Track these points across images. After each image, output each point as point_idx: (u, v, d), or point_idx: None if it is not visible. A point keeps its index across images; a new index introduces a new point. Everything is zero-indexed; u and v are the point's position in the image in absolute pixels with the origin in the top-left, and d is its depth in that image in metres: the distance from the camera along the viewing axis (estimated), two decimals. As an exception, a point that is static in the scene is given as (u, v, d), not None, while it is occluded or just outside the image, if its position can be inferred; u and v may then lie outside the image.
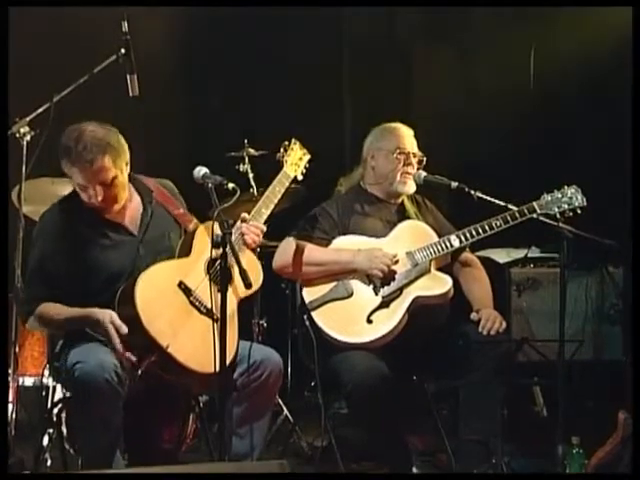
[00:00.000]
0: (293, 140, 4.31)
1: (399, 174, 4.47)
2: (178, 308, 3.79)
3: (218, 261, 3.75)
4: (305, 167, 4.31)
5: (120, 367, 3.62)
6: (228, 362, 3.64)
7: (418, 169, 4.50)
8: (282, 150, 4.27)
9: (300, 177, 4.30)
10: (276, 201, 4.10)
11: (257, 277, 3.91)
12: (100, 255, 3.88)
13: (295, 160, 4.27)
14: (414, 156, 4.50)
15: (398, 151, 4.47)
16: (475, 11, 6.33)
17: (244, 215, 3.95)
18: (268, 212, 4.06)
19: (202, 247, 3.90)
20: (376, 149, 4.53)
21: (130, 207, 3.98)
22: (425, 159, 4.51)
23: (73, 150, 3.76)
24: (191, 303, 3.82)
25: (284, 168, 4.23)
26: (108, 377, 3.56)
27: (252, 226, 3.95)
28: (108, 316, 3.67)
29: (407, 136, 4.53)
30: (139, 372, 3.66)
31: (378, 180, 4.53)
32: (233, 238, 3.75)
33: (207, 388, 3.87)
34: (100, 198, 3.81)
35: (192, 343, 3.73)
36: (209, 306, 3.81)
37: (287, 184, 4.20)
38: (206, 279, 3.87)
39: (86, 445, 3.74)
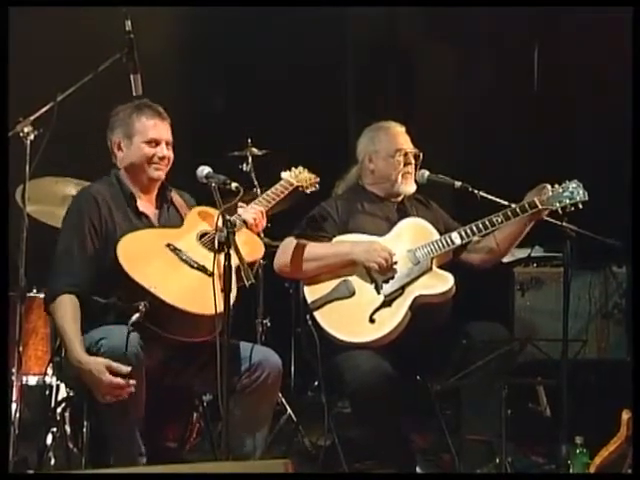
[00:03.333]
0: (300, 168, 4.42)
1: (400, 175, 4.48)
2: (166, 262, 3.84)
3: (208, 234, 3.94)
4: (314, 187, 4.43)
5: (140, 338, 3.64)
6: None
7: (416, 165, 4.50)
8: (290, 173, 4.38)
9: (307, 192, 4.43)
10: (273, 203, 4.18)
11: (258, 249, 4.01)
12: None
13: (303, 181, 4.39)
14: (411, 154, 4.50)
15: (397, 154, 4.47)
16: (476, 11, 6.32)
17: (241, 203, 4.05)
18: (264, 209, 4.12)
19: (195, 222, 4.03)
20: (373, 152, 4.53)
21: (152, 201, 4.10)
22: (421, 154, 4.52)
23: (147, 106, 4.04)
24: (180, 259, 3.86)
25: (288, 177, 4.33)
26: (135, 350, 3.60)
27: (250, 208, 4.06)
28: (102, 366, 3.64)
29: (401, 134, 4.54)
30: (130, 327, 3.63)
31: (378, 181, 4.54)
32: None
33: (200, 335, 3.80)
34: (166, 154, 4.02)
35: (181, 287, 3.76)
36: (201, 262, 3.85)
37: (289, 189, 4.29)
38: (198, 244, 3.94)
39: (115, 421, 3.70)
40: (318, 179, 4.45)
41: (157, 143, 4.02)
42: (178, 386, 3.98)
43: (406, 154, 4.48)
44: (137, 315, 3.63)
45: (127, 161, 4.04)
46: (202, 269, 3.84)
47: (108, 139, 4.09)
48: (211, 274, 3.75)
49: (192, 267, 3.85)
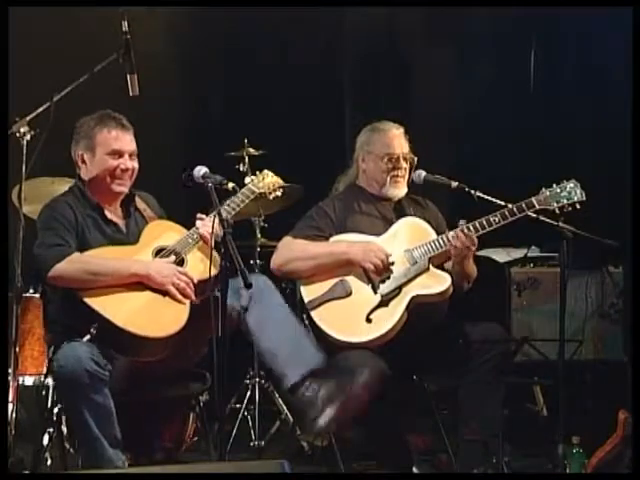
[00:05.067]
0: (265, 171, 4.38)
1: (388, 178, 4.47)
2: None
3: (165, 250, 3.97)
4: (278, 192, 4.38)
5: (97, 353, 3.67)
6: (173, 330, 3.75)
7: (411, 168, 4.49)
8: (254, 178, 4.33)
9: (270, 197, 4.38)
10: (238, 209, 4.13)
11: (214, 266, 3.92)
12: (97, 246, 3.96)
13: (266, 186, 4.34)
14: (404, 159, 4.48)
15: (387, 157, 4.46)
16: (475, 11, 6.32)
17: (200, 215, 4.04)
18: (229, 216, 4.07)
19: (150, 238, 4.03)
20: (366, 152, 4.53)
21: (117, 211, 4.12)
22: (416, 159, 4.50)
23: (110, 117, 4.04)
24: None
25: (250, 185, 4.28)
26: (87, 367, 3.62)
27: (207, 221, 4.01)
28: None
29: (396, 138, 4.51)
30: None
31: (369, 182, 4.54)
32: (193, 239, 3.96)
33: (154, 355, 3.85)
34: (129, 166, 4.02)
35: (131, 309, 3.79)
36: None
37: (251, 197, 4.24)
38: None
39: (84, 440, 3.74)
40: (282, 183, 4.41)
41: (120, 155, 4.02)
42: (174, 386, 4.00)
43: (397, 158, 4.47)
44: (87, 337, 3.71)
45: (90, 174, 4.05)
46: (155, 288, 3.87)
47: (72, 152, 4.10)
48: (166, 294, 3.83)
49: (145, 286, 3.87)
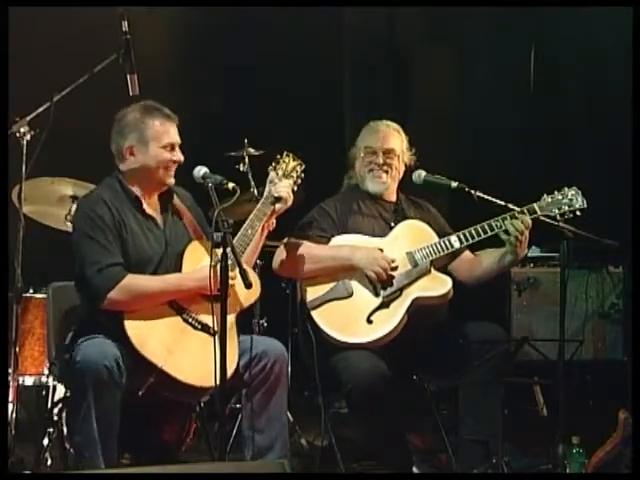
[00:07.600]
0: (285, 152, 4.25)
1: (366, 171, 4.47)
2: (170, 327, 3.81)
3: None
4: (300, 177, 4.23)
5: (122, 359, 3.63)
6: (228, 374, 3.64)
7: (411, 167, 4.49)
8: (274, 163, 4.22)
9: (295, 188, 4.21)
10: (260, 224, 4.05)
11: (255, 287, 3.84)
12: (136, 241, 3.92)
13: (288, 171, 4.21)
14: (385, 153, 4.45)
15: (365, 150, 4.46)
16: (475, 11, 6.32)
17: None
18: (255, 231, 4.03)
19: (191, 265, 3.93)
20: (357, 149, 4.53)
21: (155, 204, 4.05)
22: (409, 157, 4.49)
23: (155, 109, 3.96)
24: (184, 320, 3.84)
25: (269, 188, 4.14)
26: (108, 364, 3.58)
27: (281, 183, 4.03)
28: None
29: (382, 132, 4.49)
30: (140, 393, 3.68)
31: (358, 179, 4.54)
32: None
33: (202, 397, 3.92)
34: (181, 158, 3.98)
35: (189, 359, 3.75)
36: (204, 321, 3.84)
37: (272, 207, 4.11)
38: (198, 296, 3.88)
39: (82, 437, 3.67)
40: (303, 166, 4.26)
41: (172, 147, 3.97)
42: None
43: (375, 152, 4.45)
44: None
45: (141, 166, 3.94)
46: (205, 329, 3.84)
47: (116, 143, 3.96)
48: (214, 333, 3.76)
49: (195, 328, 3.84)
